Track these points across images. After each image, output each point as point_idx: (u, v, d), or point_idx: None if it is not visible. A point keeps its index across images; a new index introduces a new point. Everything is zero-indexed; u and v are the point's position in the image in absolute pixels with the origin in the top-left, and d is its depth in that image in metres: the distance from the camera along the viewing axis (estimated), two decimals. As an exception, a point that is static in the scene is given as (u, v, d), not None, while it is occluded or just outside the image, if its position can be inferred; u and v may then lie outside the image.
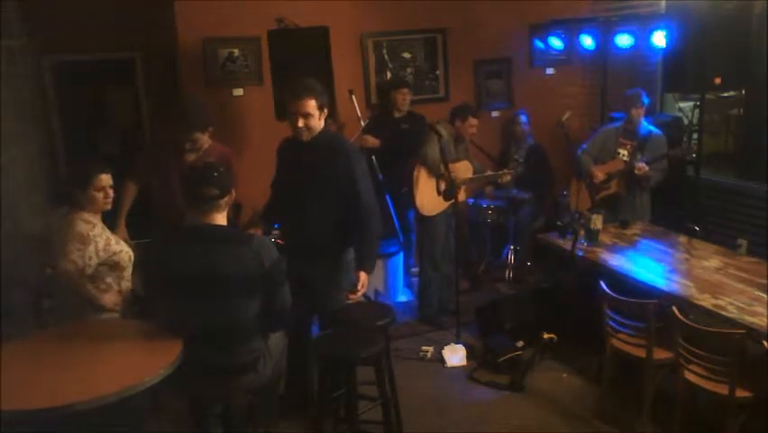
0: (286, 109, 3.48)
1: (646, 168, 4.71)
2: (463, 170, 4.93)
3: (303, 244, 3.47)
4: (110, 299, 3.15)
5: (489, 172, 5.14)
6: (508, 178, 5.20)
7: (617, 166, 4.89)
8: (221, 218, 2.81)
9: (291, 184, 3.57)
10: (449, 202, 4.97)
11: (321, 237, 3.51)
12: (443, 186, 4.90)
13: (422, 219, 4.94)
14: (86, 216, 3.16)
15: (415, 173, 4.82)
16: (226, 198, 2.79)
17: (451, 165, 4.86)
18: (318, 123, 3.41)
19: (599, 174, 4.93)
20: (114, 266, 3.18)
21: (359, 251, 3.51)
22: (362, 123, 5.25)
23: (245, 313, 2.77)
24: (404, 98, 5.30)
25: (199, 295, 2.72)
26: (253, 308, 2.79)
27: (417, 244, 5.15)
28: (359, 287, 3.44)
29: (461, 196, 5.05)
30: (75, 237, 3.07)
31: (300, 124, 3.35)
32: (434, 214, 4.93)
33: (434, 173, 4.85)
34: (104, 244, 3.15)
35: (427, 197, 4.88)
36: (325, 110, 3.43)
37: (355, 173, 3.44)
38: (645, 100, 4.89)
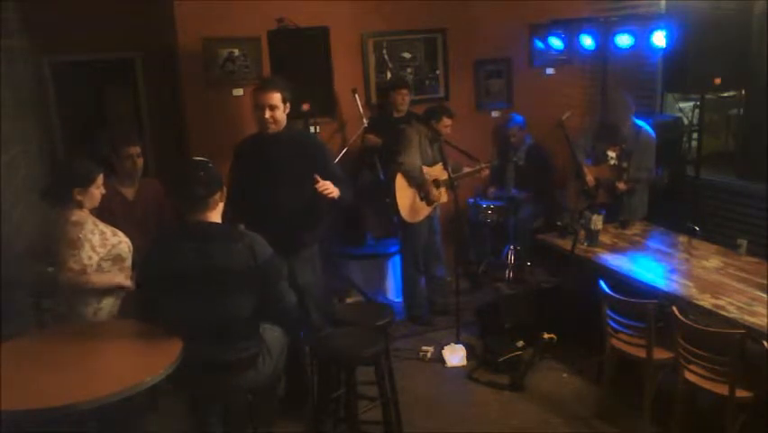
0: (252, 105, 3.61)
1: (626, 188, 4.74)
2: (439, 172, 4.93)
3: (282, 240, 3.42)
4: (120, 278, 3.16)
5: (467, 169, 5.13)
6: (487, 172, 5.21)
7: (605, 174, 4.89)
8: (213, 215, 2.80)
9: (260, 180, 3.59)
10: (431, 207, 4.98)
11: (299, 229, 3.58)
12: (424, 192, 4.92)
13: (404, 224, 4.95)
14: (75, 217, 3.12)
15: (396, 182, 4.83)
16: (215, 196, 2.78)
17: (429, 168, 4.87)
18: (283, 116, 3.56)
19: (590, 178, 4.92)
20: (115, 259, 3.17)
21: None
22: (365, 121, 5.25)
23: (240, 309, 2.78)
24: (403, 99, 5.30)
25: (194, 291, 2.73)
26: (249, 305, 2.80)
27: (401, 245, 5.16)
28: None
29: (443, 198, 5.06)
30: (67, 244, 3.05)
31: (267, 115, 3.50)
32: (418, 220, 4.95)
33: (415, 181, 4.85)
34: (99, 239, 3.13)
35: (409, 204, 4.89)
36: (288, 104, 3.58)
37: (330, 166, 3.68)
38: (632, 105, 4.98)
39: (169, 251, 2.79)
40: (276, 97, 3.50)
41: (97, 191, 3.21)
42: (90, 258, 3.08)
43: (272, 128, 3.54)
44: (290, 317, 2.98)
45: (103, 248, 3.13)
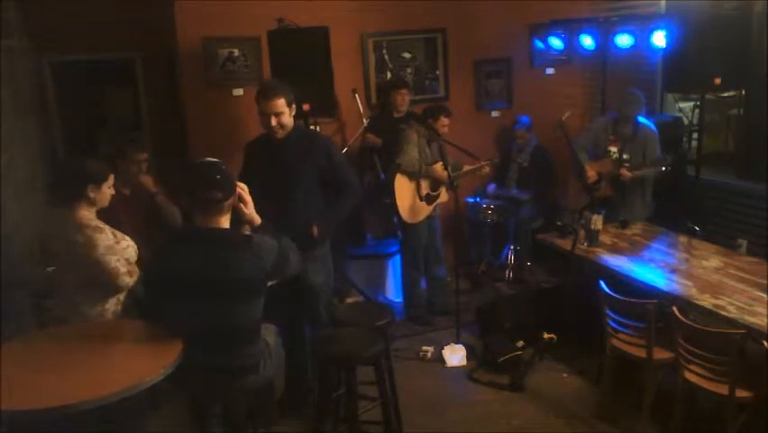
0: (258, 110, 3.59)
1: (629, 175, 4.73)
2: (439, 170, 4.93)
3: (296, 240, 3.44)
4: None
5: (467, 167, 5.13)
6: (488, 169, 5.19)
7: (607, 167, 4.89)
8: (224, 221, 2.73)
9: (271, 182, 3.58)
10: (431, 206, 4.98)
11: (311, 228, 3.57)
12: (425, 191, 4.91)
13: (404, 224, 4.94)
14: (90, 222, 3.09)
15: (395, 183, 4.83)
16: (230, 201, 2.72)
17: (428, 168, 4.87)
18: (290, 119, 3.57)
19: (592, 173, 4.92)
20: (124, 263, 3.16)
21: (330, 208, 3.69)
22: (365, 121, 5.25)
23: (246, 317, 2.73)
24: (403, 99, 5.30)
25: (199, 299, 2.67)
26: (255, 311, 2.76)
27: (401, 246, 5.16)
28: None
29: (444, 197, 5.05)
30: (106, 252, 3.03)
31: (274, 123, 3.52)
32: (418, 221, 4.95)
33: (415, 177, 4.85)
34: (113, 242, 3.14)
35: (409, 204, 4.89)
36: (293, 106, 3.58)
37: (337, 164, 3.70)
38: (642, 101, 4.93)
39: (173, 256, 2.73)
40: (280, 104, 3.49)
41: (109, 191, 3.19)
42: (119, 261, 3.09)
43: (280, 134, 3.56)
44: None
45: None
